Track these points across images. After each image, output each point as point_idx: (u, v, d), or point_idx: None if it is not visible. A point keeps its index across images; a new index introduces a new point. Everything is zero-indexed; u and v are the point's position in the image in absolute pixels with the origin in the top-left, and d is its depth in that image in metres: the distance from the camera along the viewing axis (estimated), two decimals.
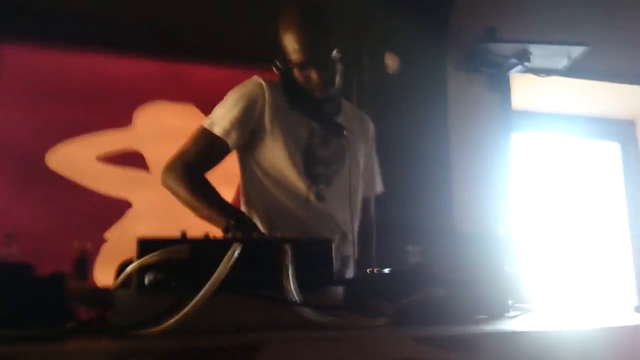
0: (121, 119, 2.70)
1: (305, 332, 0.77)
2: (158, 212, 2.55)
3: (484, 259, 1.30)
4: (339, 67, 1.69)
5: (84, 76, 2.67)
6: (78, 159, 2.59)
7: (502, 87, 3.14)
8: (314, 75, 1.64)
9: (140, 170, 2.68)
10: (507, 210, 2.96)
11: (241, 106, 1.68)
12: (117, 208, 2.60)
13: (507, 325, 0.95)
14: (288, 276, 0.88)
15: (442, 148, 2.94)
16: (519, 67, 3.00)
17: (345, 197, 1.75)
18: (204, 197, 1.62)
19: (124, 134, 2.69)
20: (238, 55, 2.73)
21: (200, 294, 0.78)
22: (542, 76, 3.13)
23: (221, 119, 1.68)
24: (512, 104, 3.20)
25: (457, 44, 3.07)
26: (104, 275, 2.19)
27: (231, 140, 1.67)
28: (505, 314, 1.15)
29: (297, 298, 0.87)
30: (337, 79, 1.70)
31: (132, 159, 2.68)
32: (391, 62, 2.90)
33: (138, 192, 2.63)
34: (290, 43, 1.63)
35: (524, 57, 2.98)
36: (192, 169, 1.66)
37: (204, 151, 1.68)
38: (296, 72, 1.66)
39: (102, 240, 2.52)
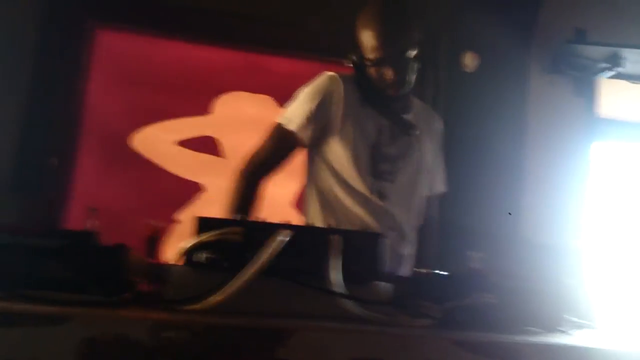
0: (202, 106, 2.82)
1: (342, 324, 0.78)
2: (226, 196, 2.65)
3: (546, 269, 1.26)
4: (414, 66, 1.68)
5: (170, 64, 2.81)
6: (159, 142, 2.73)
7: (588, 91, 2.98)
8: (389, 73, 1.64)
9: (215, 156, 2.79)
10: (581, 222, 2.82)
11: (316, 102, 1.70)
12: (190, 191, 2.73)
13: (555, 339, 0.92)
14: (333, 267, 0.90)
15: (518, 151, 2.84)
16: (609, 71, 2.83)
17: (409, 195, 1.74)
18: (235, 202, 1.69)
19: (203, 121, 2.81)
20: (316, 48, 2.77)
21: (243, 274, 0.81)
22: (635, 83, 2.95)
23: (297, 114, 1.71)
24: (598, 110, 3.03)
25: (543, 45, 2.94)
26: (170, 255, 2.30)
27: (306, 136, 1.70)
28: (558, 328, 1.10)
29: (340, 289, 0.89)
30: (413, 78, 1.69)
31: (209, 146, 2.80)
32: (470, 60, 2.83)
33: (212, 177, 2.74)
34: (368, 40, 1.64)
35: (614, 61, 2.81)
36: (254, 172, 1.73)
37: (276, 149, 1.74)
38: (371, 69, 1.67)
39: (175, 221, 2.65)
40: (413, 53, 1.65)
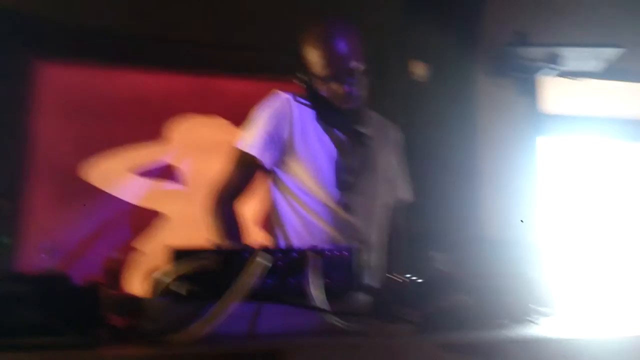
0: (155, 133, 2.78)
1: (330, 339, 0.78)
2: (189, 223, 2.61)
3: (508, 265, 1.30)
4: (363, 80, 1.71)
5: (120, 92, 2.76)
6: (113, 172, 2.67)
7: (531, 90, 3.10)
8: (338, 88, 1.67)
9: (173, 183, 2.75)
10: (535, 215, 2.92)
11: (270, 123, 1.72)
12: (150, 219, 2.67)
13: (529, 330, 0.95)
14: (313, 284, 0.90)
15: (470, 153, 2.92)
16: (549, 70, 2.95)
17: (372, 205, 1.76)
18: (223, 231, 1.68)
19: (157, 148, 2.77)
20: (265, 68, 2.78)
21: (222, 301, 0.80)
22: (574, 79, 3.08)
23: (253, 138, 1.73)
24: (544, 107, 3.15)
25: (485, 49, 3.05)
26: (135, 283, 2.26)
27: (266, 158, 1.71)
28: (527, 318, 1.14)
29: (322, 305, 0.89)
30: (362, 91, 1.72)
31: (166, 172, 2.75)
32: (420, 69, 2.90)
33: (171, 204, 2.70)
34: (315, 57, 1.67)
35: (554, 60, 2.94)
36: (225, 200, 1.73)
37: (240, 174, 1.75)
38: (321, 85, 1.69)
39: (135, 250, 2.59)
40: (361, 67, 1.68)
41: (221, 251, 0.92)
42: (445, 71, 2.94)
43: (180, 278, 0.88)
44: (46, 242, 2.11)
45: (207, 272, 0.90)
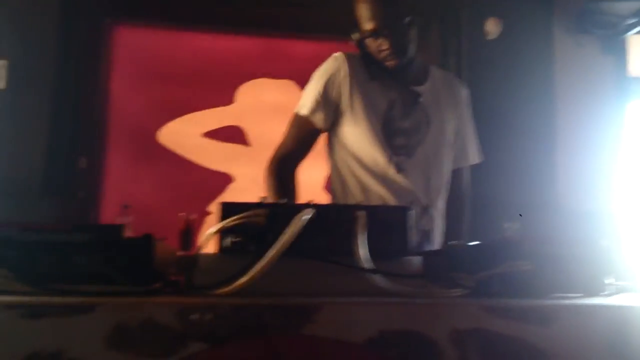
0: (224, 96, 2.83)
1: (370, 298, 0.77)
2: (258, 184, 2.65)
3: (581, 234, 1.22)
4: (412, 34, 1.66)
5: (190, 55, 2.82)
6: (186, 135, 2.76)
7: (618, 50, 2.88)
8: (383, 44, 1.62)
9: (242, 145, 2.80)
10: (617, 185, 2.74)
11: (322, 83, 1.71)
12: (221, 181, 2.75)
13: (590, 300, 0.89)
14: (359, 243, 0.89)
15: (548, 118, 2.76)
16: (638, 27, 2.72)
17: (429, 169, 1.71)
18: (278, 195, 1.68)
19: (227, 111, 2.82)
20: (334, 29, 2.73)
21: (268, 255, 0.80)
22: None
23: (307, 99, 1.73)
24: (630, 69, 2.92)
25: (565, 4, 2.85)
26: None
27: (320, 119, 1.71)
28: (600, 293, 1.07)
29: (367, 265, 0.88)
30: (410, 46, 1.67)
31: (235, 135, 2.81)
32: (492, 27, 2.76)
33: (239, 166, 2.76)
34: (362, 12, 1.63)
35: None
36: (284, 164, 1.74)
37: (296, 137, 1.75)
38: (369, 42, 1.65)
39: (207, 212, 2.67)
40: (407, 20, 1.62)
41: (268, 205, 0.92)
42: (521, 27, 2.78)
43: (228, 232, 0.89)
44: (123, 202, 2.21)
45: (254, 227, 0.90)
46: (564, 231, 2.15)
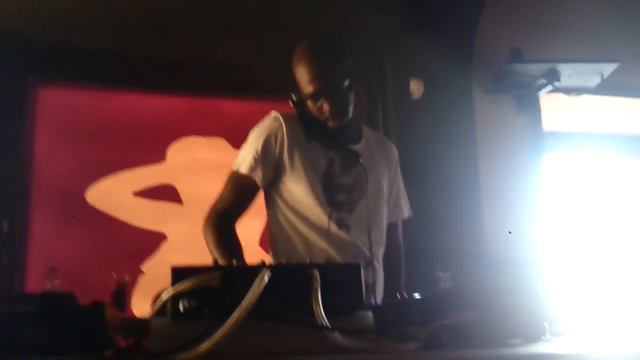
0: (155, 154, 2.79)
1: (335, 357, 0.77)
2: (192, 243, 2.59)
3: (517, 283, 1.28)
4: (351, 96, 1.72)
5: (118, 114, 2.78)
6: (115, 194, 2.68)
7: (532, 107, 3.12)
8: (325, 105, 1.67)
9: (174, 204, 2.75)
10: (540, 233, 2.91)
11: (261, 142, 1.72)
12: (153, 241, 2.67)
13: (540, 347, 0.94)
14: (317, 301, 0.89)
15: (471, 172, 2.92)
16: (548, 86, 2.96)
17: (369, 224, 1.75)
18: (224, 251, 1.66)
19: (158, 169, 2.78)
20: (264, 88, 2.80)
21: (231, 319, 0.80)
22: (573, 95, 3.09)
23: (245, 158, 1.74)
24: (544, 124, 3.16)
25: (482, 67, 3.07)
26: (141, 305, 2.24)
27: (258, 176, 1.72)
28: (542, 338, 1.12)
29: (326, 323, 0.88)
30: (350, 108, 1.73)
31: (166, 193, 2.75)
32: (415, 87, 2.92)
33: (172, 225, 2.70)
34: (302, 75, 1.68)
35: (553, 76, 2.95)
36: (223, 220, 1.73)
37: (236, 195, 1.74)
38: (310, 104, 1.70)
39: (140, 272, 2.58)
40: (346, 82, 1.69)
41: (222, 268, 0.92)
42: (443, 88, 2.96)
43: (181, 296, 0.87)
44: (50, 264, 2.10)
45: (208, 290, 0.89)
46: (494, 280, 2.24)
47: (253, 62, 2.83)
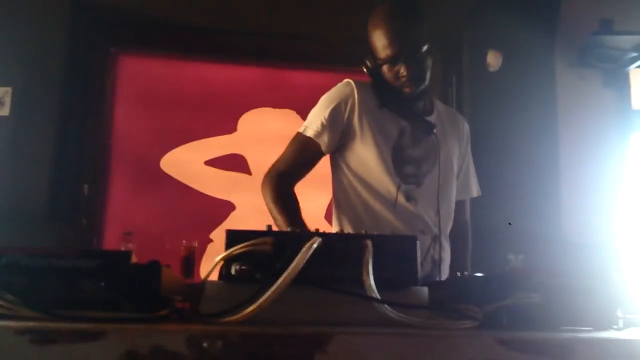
0: (227, 125, 2.84)
1: (383, 330, 0.76)
2: (260, 212, 2.65)
3: (589, 267, 1.20)
4: (429, 62, 1.66)
5: (193, 85, 2.85)
6: (189, 163, 2.76)
7: (620, 83, 2.90)
8: (402, 70, 1.62)
9: (244, 174, 2.80)
10: (622, 218, 2.72)
11: (331, 107, 1.68)
12: (222, 209, 2.74)
13: (605, 334, 0.87)
14: (367, 272, 0.88)
15: (551, 150, 2.77)
16: (639, 61, 2.75)
17: (438, 198, 1.70)
18: (282, 208, 1.64)
19: (229, 139, 2.83)
20: (336, 60, 2.77)
21: (276, 284, 0.79)
22: None
23: (313, 121, 1.70)
24: (633, 102, 2.94)
25: (568, 38, 2.88)
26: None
27: (323, 142, 1.69)
28: (613, 326, 1.05)
29: (376, 295, 0.86)
30: (427, 75, 1.67)
31: (237, 163, 2.81)
32: (493, 59, 2.79)
33: (241, 195, 2.75)
34: (379, 39, 1.63)
35: None
36: (283, 179, 1.70)
37: (298, 156, 1.71)
38: (385, 70, 1.65)
39: (209, 240, 2.66)
40: (425, 48, 1.63)
41: (275, 234, 0.92)
42: (524, 60, 2.81)
43: (234, 260, 0.88)
44: (125, 229, 2.20)
45: (260, 255, 0.89)
46: (568, 263, 2.13)
47: (325, 33, 2.80)
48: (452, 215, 1.79)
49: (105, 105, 2.73)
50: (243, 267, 0.87)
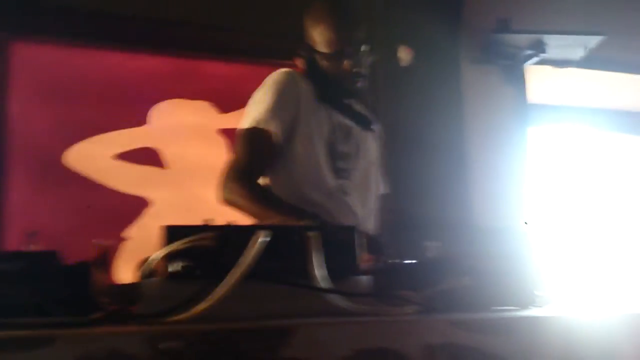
0: (138, 117, 2.71)
1: (335, 320, 0.76)
2: (176, 208, 2.56)
3: (507, 251, 1.29)
4: (369, 59, 1.69)
5: (99, 74, 2.68)
6: (96, 157, 2.60)
7: (517, 79, 3.10)
8: (347, 66, 1.64)
9: (157, 168, 2.68)
10: (525, 204, 2.93)
11: (277, 94, 1.64)
12: (136, 206, 2.61)
13: (535, 312, 0.94)
14: (315, 263, 0.87)
15: (458, 141, 2.92)
16: (535, 58, 2.95)
17: (364, 192, 1.75)
18: (271, 205, 1.58)
19: (141, 132, 2.70)
20: (250, 51, 2.74)
21: (230, 279, 0.77)
22: (560, 67, 3.09)
23: (259, 112, 1.64)
24: (529, 96, 3.16)
25: (470, 37, 3.04)
26: (123, 273, 2.19)
27: (277, 129, 1.62)
28: (532, 305, 1.13)
29: (325, 285, 0.86)
30: (367, 72, 1.70)
31: (149, 157, 2.69)
32: (404, 54, 2.87)
33: (156, 190, 2.63)
34: (323, 34, 1.64)
35: (539, 48, 2.93)
36: (248, 178, 1.63)
37: (256, 151, 1.64)
38: (328, 63, 1.66)
39: (121, 239, 2.53)
40: (368, 46, 1.67)
41: (216, 228, 0.89)
42: (431, 58, 2.92)
43: (173, 256, 0.84)
44: (28, 229, 2.04)
45: (201, 250, 0.86)
46: (481, 247, 2.25)
47: (239, 24, 2.75)
48: (375, 209, 1.84)
49: None
50: (188, 264, 0.84)
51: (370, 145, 1.83)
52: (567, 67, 3.09)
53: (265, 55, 2.65)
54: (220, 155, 2.54)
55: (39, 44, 2.63)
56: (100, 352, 0.55)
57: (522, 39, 2.94)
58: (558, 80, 3.25)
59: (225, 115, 2.73)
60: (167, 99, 2.76)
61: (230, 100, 2.69)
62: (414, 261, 1.15)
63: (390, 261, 1.20)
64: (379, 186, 1.91)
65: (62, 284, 0.78)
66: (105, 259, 1.99)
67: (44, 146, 2.53)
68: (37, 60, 2.61)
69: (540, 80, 3.20)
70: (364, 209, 1.75)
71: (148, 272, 0.90)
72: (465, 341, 0.69)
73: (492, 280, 1.10)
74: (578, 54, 3.01)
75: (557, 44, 2.93)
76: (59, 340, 0.56)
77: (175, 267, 0.85)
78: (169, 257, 0.86)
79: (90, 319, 0.74)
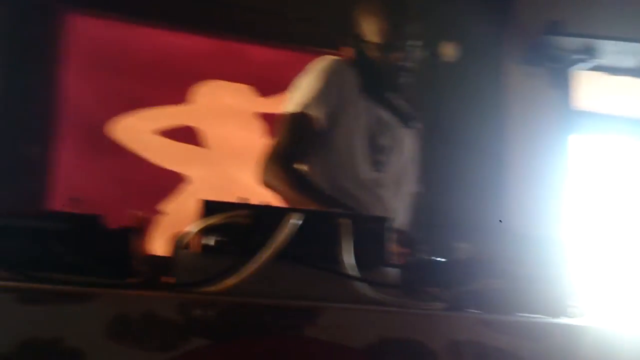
0: (180, 95, 2.75)
1: (361, 307, 0.76)
2: (211, 187, 2.60)
3: (541, 259, 1.27)
4: (418, 55, 1.69)
5: (148, 51, 2.73)
6: (139, 131, 2.65)
7: (563, 84, 3.02)
8: (395, 59, 1.64)
9: (196, 146, 2.73)
10: (562, 212, 2.87)
11: (325, 81, 1.64)
12: (173, 181, 2.66)
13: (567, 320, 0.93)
14: (345, 250, 0.88)
15: (497, 143, 2.87)
16: (585, 63, 2.87)
17: (398, 187, 1.75)
18: (307, 192, 1.60)
19: (183, 110, 2.74)
20: (294, 37, 2.74)
21: (260, 257, 0.78)
22: (610, 75, 3.00)
23: (303, 96, 1.64)
24: (574, 102, 3.08)
25: (518, 36, 2.98)
26: (157, 247, 2.23)
27: (320, 114, 1.62)
28: (564, 315, 1.11)
29: (353, 273, 0.87)
30: (414, 67, 1.70)
31: (190, 136, 2.73)
32: (449, 50, 2.84)
33: (193, 168, 2.68)
34: (376, 24, 1.63)
35: (590, 53, 2.84)
36: (288, 162, 1.64)
37: (298, 136, 1.64)
38: (375, 55, 1.65)
39: (157, 212, 2.58)
40: (417, 42, 1.67)
41: (252, 206, 0.90)
42: (475, 56, 2.87)
43: (209, 230, 0.86)
44: (72, 195, 2.10)
45: (236, 227, 0.88)
46: (515, 253, 2.22)
47: (285, 9, 2.76)
48: (408, 206, 1.84)
49: (53, 66, 2.57)
50: (221, 238, 0.86)
51: (408, 141, 1.82)
52: (619, 74, 3.01)
53: (308, 42, 2.66)
54: (257, 139, 2.58)
55: (92, 17, 2.69)
56: (135, 313, 0.58)
57: (573, 42, 2.86)
58: (609, 87, 3.15)
59: (265, 99, 2.75)
60: (210, 79, 2.80)
61: (271, 85, 2.70)
62: (444, 259, 1.15)
63: (420, 257, 1.20)
64: (413, 183, 1.90)
65: (104, 247, 0.80)
66: (142, 229, 2.05)
67: (90, 115, 2.61)
68: (89, 33, 2.68)
69: (590, 86, 3.11)
70: (397, 203, 1.74)
71: (183, 244, 0.92)
72: (493, 341, 0.69)
73: (524, 286, 1.09)
74: (632, 62, 2.92)
75: (610, 50, 2.85)
76: (97, 298, 0.59)
77: (209, 240, 0.87)
78: (204, 231, 0.88)
79: (128, 282, 0.77)
